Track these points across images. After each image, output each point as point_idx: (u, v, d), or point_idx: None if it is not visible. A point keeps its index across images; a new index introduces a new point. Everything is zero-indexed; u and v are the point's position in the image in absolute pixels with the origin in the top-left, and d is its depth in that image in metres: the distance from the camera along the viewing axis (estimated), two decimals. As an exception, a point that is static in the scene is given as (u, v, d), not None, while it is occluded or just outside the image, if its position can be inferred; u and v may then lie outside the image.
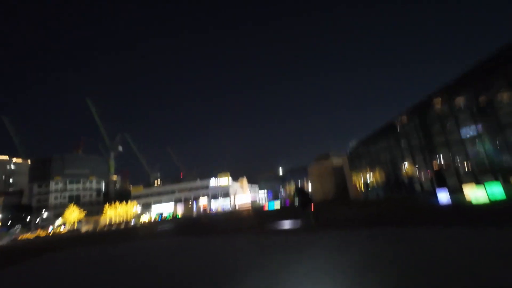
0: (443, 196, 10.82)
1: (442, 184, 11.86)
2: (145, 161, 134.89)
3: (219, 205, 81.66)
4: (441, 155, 14.55)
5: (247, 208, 62.89)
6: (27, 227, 72.87)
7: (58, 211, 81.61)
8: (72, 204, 76.17)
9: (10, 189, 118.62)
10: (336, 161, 29.07)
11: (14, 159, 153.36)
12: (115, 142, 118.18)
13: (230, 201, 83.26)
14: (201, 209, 79.82)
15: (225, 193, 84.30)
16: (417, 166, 16.27)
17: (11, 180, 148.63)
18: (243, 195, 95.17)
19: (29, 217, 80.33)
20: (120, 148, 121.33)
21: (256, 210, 41.57)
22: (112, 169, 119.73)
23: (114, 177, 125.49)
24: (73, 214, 70.77)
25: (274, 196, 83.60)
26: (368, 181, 23.34)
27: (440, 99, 13.72)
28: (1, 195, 76.85)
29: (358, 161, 25.55)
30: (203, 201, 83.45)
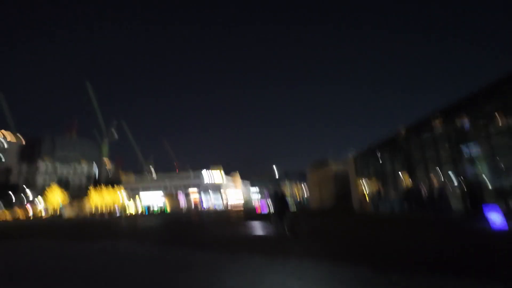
0: (496, 218, 8.01)
1: (477, 201, 9.48)
2: (139, 150, 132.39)
3: (212, 203, 79.54)
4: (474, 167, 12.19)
5: (238, 210, 60.87)
6: (10, 206, 70.42)
7: (45, 194, 79.18)
8: (56, 186, 73.48)
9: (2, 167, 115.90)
10: (337, 167, 26.97)
11: (8, 137, 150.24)
12: (110, 128, 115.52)
13: (221, 196, 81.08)
14: (192, 204, 77.63)
15: (217, 188, 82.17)
16: (445, 177, 13.66)
17: (2, 158, 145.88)
18: (235, 190, 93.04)
19: (13, 197, 77.74)
20: (115, 135, 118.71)
21: (248, 212, 39.19)
22: (105, 155, 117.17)
23: (108, 164, 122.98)
24: (55, 197, 68.19)
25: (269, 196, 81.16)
26: (380, 191, 20.53)
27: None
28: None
29: (367, 167, 22.78)
30: (194, 195, 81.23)
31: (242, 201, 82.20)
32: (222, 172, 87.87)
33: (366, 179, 22.11)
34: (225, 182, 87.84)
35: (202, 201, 78.99)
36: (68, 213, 59.38)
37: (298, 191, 63.72)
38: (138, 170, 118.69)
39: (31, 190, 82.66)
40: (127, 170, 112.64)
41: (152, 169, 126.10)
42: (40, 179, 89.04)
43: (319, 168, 29.16)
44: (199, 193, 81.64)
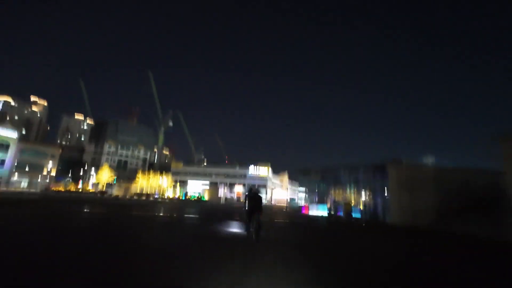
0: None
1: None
2: (192, 141, 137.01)
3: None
4: None
5: (281, 206, 55.88)
6: (76, 181, 77.98)
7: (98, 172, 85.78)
8: (106, 166, 78.95)
9: (79, 146, 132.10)
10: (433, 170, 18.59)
11: (88, 120, 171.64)
12: (167, 117, 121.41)
13: (266, 194, 76.99)
14: (235, 197, 75.37)
15: (263, 185, 78.27)
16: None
17: (82, 138, 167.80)
18: (281, 190, 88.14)
19: (81, 173, 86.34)
20: (171, 123, 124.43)
21: (292, 210, 35.43)
22: (161, 143, 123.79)
23: (161, 151, 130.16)
24: (104, 176, 72.74)
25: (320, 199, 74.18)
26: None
27: None
28: (61, 148, 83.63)
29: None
30: (238, 188, 78.92)
31: (287, 199, 76.84)
32: (270, 169, 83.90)
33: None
34: (272, 179, 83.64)
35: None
36: (115, 192, 62.34)
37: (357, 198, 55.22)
38: (188, 159, 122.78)
39: (95, 168, 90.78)
40: (179, 159, 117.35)
41: (201, 159, 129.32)
42: (103, 159, 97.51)
43: (410, 167, 20.63)
44: (244, 186, 79.04)
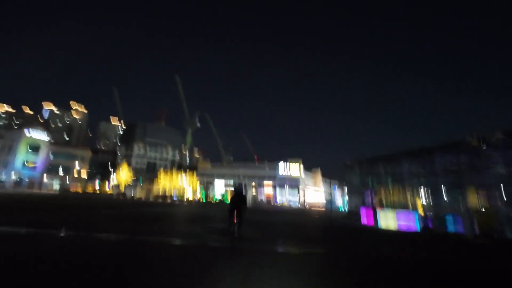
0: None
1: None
2: (219, 141, 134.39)
3: (287, 199, 69.50)
4: None
5: (318, 209, 48.83)
6: (104, 181, 78.26)
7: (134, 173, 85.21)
8: (125, 166, 77.50)
9: (114, 149, 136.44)
10: None
11: (121, 124, 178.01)
12: (193, 118, 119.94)
13: (299, 194, 70.04)
14: (264, 199, 69.56)
15: (294, 184, 71.45)
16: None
17: (119, 142, 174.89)
18: (315, 190, 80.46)
19: (110, 174, 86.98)
20: (198, 124, 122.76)
21: (339, 217, 26.52)
22: (189, 144, 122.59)
23: (189, 152, 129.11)
24: (124, 177, 71.02)
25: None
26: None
27: None
28: (93, 151, 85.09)
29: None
30: (267, 189, 72.93)
31: (323, 201, 69.23)
32: (301, 166, 76.75)
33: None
34: (304, 179, 76.48)
35: (275, 196, 69.87)
36: (137, 193, 60.09)
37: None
38: (216, 159, 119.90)
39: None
40: (206, 159, 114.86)
41: (229, 159, 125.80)
42: (133, 161, 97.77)
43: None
44: (274, 186, 72.94)
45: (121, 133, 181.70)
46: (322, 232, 14.03)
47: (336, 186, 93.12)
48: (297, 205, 66.65)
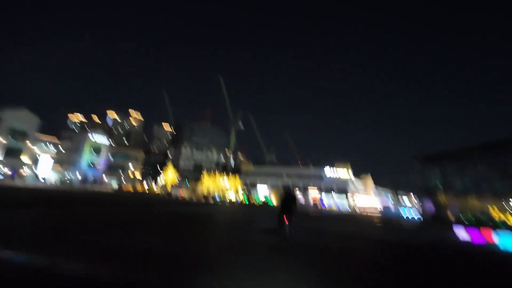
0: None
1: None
2: (262, 141, 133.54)
3: (335, 203, 64.60)
4: None
5: (372, 215, 43.52)
6: (156, 182, 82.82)
7: (182, 173, 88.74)
8: (171, 167, 79.76)
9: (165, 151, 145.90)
10: None
11: (171, 127, 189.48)
12: (237, 118, 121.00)
13: (348, 200, 64.50)
14: (311, 202, 65.64)
15: (343, 189, 66.05)
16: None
17: (169, 144, 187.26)
18: (365, 196, 73.50)
19: (160, 174, 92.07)
20: (241, 125, 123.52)
21: (410, 227, 21.20)
22: (233, 144, 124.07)
23: (240, 156, 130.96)
24: (169, 176, 73.27)
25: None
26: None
27: None
28: (145, 152, 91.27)
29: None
30: (313, 193, 68.84)
31: (377, 206, 62.47)
32: (350, 171, 71.05)
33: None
34: (353, 183, 70.52)
35: (322, 200, 65.40)
36: (184, 193, 61.36)
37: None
38: (259, 160, 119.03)
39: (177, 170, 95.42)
40: (251, 160, 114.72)
41: (273, 160, 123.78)
42: (181, 162, 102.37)
43: None
44: (320, 190, 68.59)
45: (171, 136, 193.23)
46: (414, 256, 9.11)
47: (389, 194, 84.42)
48: (347, 209, 61.31)
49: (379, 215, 45.27)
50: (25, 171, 60.82)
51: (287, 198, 8.71)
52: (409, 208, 41.56)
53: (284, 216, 8.44)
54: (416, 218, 33.80)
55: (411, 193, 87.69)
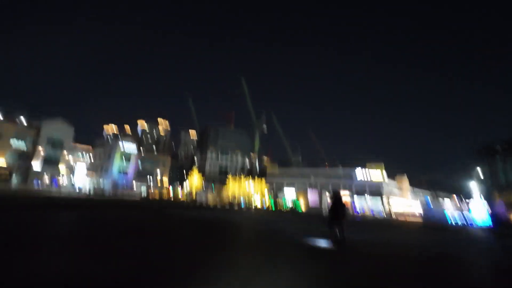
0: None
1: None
2: (287, 142, 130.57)
3: (368, 208, 60.34)
4: None
5: (413, 221, 39.42)
6: (181, 187, 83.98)
7: (207, 178, 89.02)
8: (196, 171, 79.48)
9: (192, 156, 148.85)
10: None
11: (196, 133, 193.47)
12: (260, 120, 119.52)
13: (383, 203, 59.87)
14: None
15: (376, 191, 61.50)
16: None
17: (195, 149, 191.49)
18: (402, 199, 67.95)
19: (185, 180, 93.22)
20: (265, 127, 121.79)
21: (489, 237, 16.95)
22: (257, 147, 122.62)
23: (266, 158, 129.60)
24: (193, 181, 73.04)
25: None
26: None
27: None
28: (171, 157, 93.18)
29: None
30: (344, 196, 64.96)
31: (416, 210, 57.29)
32: (384, 172, 66.23)
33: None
34: (388, 185, 65.60)
35: (354, 204, 61.34)
36: (209, 199, 60.87)
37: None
38: (284, 162, 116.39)
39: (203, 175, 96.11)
40: (274, 162, 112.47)
41: (298, 161, 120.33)
42: (207, 167, 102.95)
43: None
44: (351, 194, 64.54)
45: (197, 140, 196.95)
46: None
47: (428, 197, 77.54)
48: (382, 214, 56.81)
49: (419, 219, 40.95)
50: (63, 180, 64.33)
51: (337, 203, 8.31)
52: (460, 212, 36.49)
53: (332, 220, 8.08)
54: (471, 223, 29.38)
55: (454, 195, 79.89)
